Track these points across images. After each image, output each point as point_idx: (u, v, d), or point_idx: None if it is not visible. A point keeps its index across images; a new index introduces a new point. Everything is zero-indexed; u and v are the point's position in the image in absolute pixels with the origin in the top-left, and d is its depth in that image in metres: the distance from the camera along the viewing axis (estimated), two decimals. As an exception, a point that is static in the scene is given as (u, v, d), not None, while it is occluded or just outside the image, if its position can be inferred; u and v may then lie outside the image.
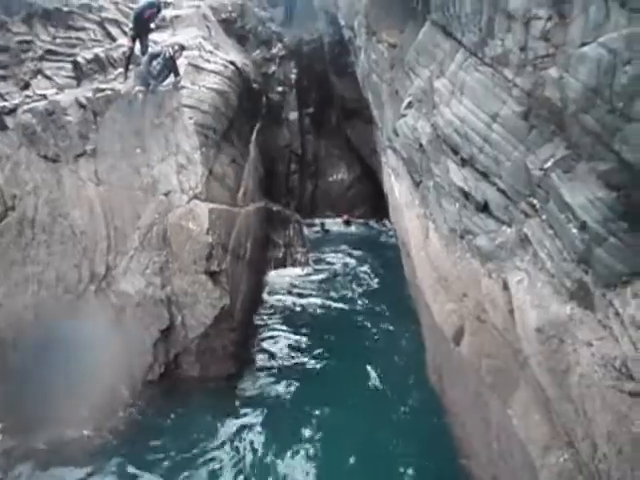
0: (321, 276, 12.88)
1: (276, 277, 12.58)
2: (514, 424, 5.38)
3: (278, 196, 16.33)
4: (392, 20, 8.96)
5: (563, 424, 4.71)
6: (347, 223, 17.41)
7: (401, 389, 8.53)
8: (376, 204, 16.49)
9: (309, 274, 12.98)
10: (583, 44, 4.28)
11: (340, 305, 11.34)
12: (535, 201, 5.38)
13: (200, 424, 7.91)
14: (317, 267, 13.34)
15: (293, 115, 17.18)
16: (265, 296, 11.76)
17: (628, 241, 4.25)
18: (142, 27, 10.77)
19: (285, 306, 11.40)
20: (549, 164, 5.06)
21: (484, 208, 6.22)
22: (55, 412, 7.39)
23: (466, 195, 6.50)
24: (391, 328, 10.22)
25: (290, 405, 8.39)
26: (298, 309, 11.32)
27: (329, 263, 13.76)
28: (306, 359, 9.45)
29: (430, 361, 8.17)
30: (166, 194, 9.58)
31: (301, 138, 17.66)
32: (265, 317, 10.95)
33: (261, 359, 9.58)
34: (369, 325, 10.45)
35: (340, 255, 14.39)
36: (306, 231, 15.14)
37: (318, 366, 9.24)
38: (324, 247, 14.88)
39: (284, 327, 10.55)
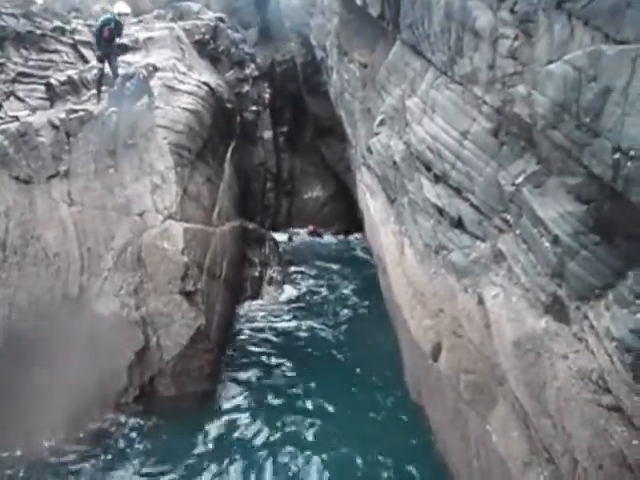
0: (297, 294, 12.77)
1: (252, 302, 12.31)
2: (493, 440, 5.31)
3: (253, 214, 16.22)
4: (363, 40, 9.00)
5: (542, 439, 4.65)
6: (314, 234, 17.33)
7: (380, 405, 8.41)
8: (350, 221, 16.56)
9: (285, 294, 12.83)
10: (549, 62, 4.31)
11: (317, 323, 11.21)
12: (508, 216, 5.38)
13: (173, 444, 7.75)
14: (293, 286, 13.19)
15: (267, 134, 17.26)
16: (241, 315, 11.57)
17: (599, 254, 4.24)
18: (105, 47, 10.66)
19: (262, 325, 11.22)
20: (520, 179, 5.09)
21: (458, 224, 6.21)
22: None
23: (440, 211, 6.49)
24: (369, 343, 10.10)
25: (266, 424, 8.22)
26: (275, 327, 11.13)
27: (306, 280, 13.63)
28: (282, 379, 9.31)
29: (409, 377, 8.10)
30: (140, 214, 9.43)
31: (276, 156, 17.65)
32: (242, 336, 10.74)
33: (237, 378, 9.38)
34: (347, 342, 10.32)
35: (316, 271, 14.24)
36: (281, 248, 14.97)
37: (295, 386, 9.08)
38: (301, 263, 14.72)
39: (261, 346, 10.39)
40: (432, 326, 6.96)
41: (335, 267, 14.41)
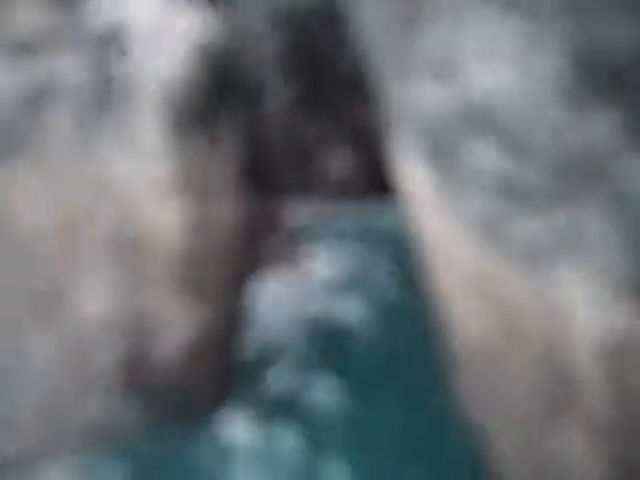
0: (316, 282, 12.32)
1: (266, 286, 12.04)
2: (567, 460, 5.38)
3: (265, 187, 14.79)
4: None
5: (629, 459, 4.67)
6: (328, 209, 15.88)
7: (423, 421, 8.58)
8: (383, 197, 14.37)
9: (303, 279, 12.44)
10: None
11: (344, 317, 10.98)
12: (592, 183, 5.30)
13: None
14: (311, 268, 12.69)
15: (279, 93, 16.76)
16: (253, 312, 11.29)
17: None
18: None
19: (278, 323, 11.03)
20: (606, 137, 5.06)
21: (525, 195, 6.20)
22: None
23: (502, 181, 6.47)
24: (411, 350, 10.04)
25: (281, 452, 8.39)
26: (293, 326, 10.97)
27: (326, 261, 13.04)
28: (303, 393, 9.34)
29: (462, 387, 8.02)
30: (127, 194, 9.52)
31: (289, 121, 16.09)
32: (254, 339, 10.64)
33: (248, 393, 9.45)
34: (380, 347, 10.29)
35: (339, 250, 13.62)
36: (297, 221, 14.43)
37: (319, 402, 9.13)
38: (318, 239, 14.07)
39: (276, 351, 10.33)
40: (491, 326, 6.94)
41: (366, 248, 13.62)
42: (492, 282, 7.00)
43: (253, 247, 12.96)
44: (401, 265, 12.18)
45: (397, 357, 10.11)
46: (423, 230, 8.53)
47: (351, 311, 11.26)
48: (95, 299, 8.95)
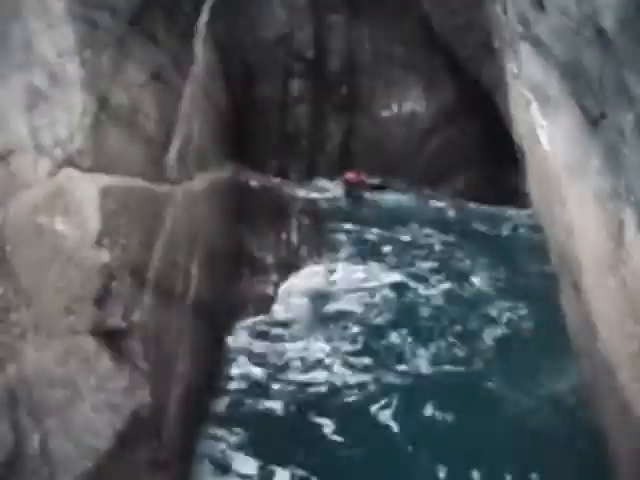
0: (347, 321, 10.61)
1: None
2: None
3: (263, 154, 13.34)
4: None
5: None
6: (357, 188, 13.89)
7: None
8: (493, 172, 13.25)
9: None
10: None
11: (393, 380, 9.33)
12: None
13: None
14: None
15: None
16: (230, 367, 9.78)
17: None
18: None
19: (264, 385, 9.37)
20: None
21: None
22: None
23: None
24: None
25: None
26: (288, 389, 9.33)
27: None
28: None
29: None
30: (4, 157, 7.71)
31: (314, 22, 14.14)
32: (227, 411, 8.87)
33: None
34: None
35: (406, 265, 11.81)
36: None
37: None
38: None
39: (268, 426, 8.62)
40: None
41: (456, 270, 11.94)
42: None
43: (238, 264, 11.38)
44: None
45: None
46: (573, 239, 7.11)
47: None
48: None
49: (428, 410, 8.89)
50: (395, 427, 8.69)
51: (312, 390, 9.60)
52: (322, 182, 14.23)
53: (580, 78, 6.49)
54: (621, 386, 5.89)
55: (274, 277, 11.53)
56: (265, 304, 11.12)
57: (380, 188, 13.92)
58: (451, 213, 13.98)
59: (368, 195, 14.16)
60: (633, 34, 5.36)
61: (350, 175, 13.75)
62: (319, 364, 10.34)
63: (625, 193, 5.92)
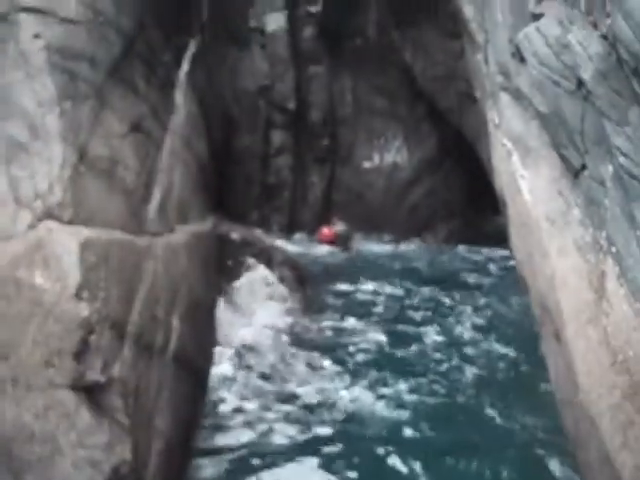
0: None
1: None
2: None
3: (244, 205, 13.29)
4: None
5: None
6: (329, 242, 13.96)
7: None
8: (476, 220, 13.28)
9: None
10: None
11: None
12: None
13: None
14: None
15: (275, 22, 13.99)
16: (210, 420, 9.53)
17: None
18: None
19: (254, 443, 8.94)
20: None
21: None
22: None
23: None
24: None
25: None
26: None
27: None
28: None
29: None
30: None
31: (295, 73, 14.13)
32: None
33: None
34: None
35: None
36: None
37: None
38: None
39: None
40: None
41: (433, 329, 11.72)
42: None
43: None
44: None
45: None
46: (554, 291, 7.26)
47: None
48: None
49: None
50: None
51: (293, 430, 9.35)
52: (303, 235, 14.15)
53: (561, 129, 6.70)
54: (602, 437, 5.92)
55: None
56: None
57: (347, 238, 13.88)
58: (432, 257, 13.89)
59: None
60: (612, 85, 5.64)
61: (325, 231, 13.82)
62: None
63: (606, 244, 6.03)
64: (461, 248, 14.60)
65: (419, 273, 13.63)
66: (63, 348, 6.89)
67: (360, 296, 12.81)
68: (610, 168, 5.79)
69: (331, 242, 14.20)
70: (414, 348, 11.35)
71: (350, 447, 8.82)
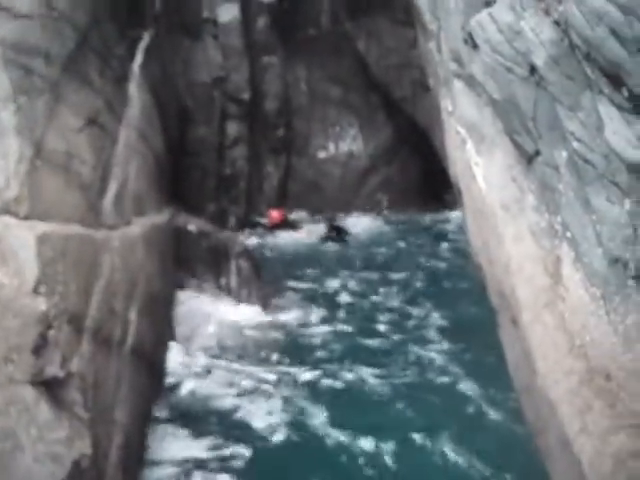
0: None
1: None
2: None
3: (201, 197, 13.39)
4: None
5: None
6: (277, 226, 14.26)
7: None
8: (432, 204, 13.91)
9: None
10: None
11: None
12: None
13: None
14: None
15: (228, 13, 13.95)
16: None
17: None
18: None
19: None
20: None
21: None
22: None
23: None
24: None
25: None
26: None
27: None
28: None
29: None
30: None
31: (249, 63, 14.17)
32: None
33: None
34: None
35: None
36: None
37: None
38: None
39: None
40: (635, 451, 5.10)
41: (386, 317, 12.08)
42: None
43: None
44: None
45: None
46: (509, 276, 7.49)
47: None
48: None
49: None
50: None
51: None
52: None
53: (514, 115, 6.72)
54: (561, 422, 6.07)
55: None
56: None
57: (294, 226, 14.24)
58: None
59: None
60: (565, 71, 5.68)
61: (275, 214, 14.13)
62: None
63: (561, 229, 6.12)
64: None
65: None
66: (22, 343, 6.91)
67: (316, 283, 12.90)
68: (564, 153, 5.84)
69: (279, 225, 14.43)
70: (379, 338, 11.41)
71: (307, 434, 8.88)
